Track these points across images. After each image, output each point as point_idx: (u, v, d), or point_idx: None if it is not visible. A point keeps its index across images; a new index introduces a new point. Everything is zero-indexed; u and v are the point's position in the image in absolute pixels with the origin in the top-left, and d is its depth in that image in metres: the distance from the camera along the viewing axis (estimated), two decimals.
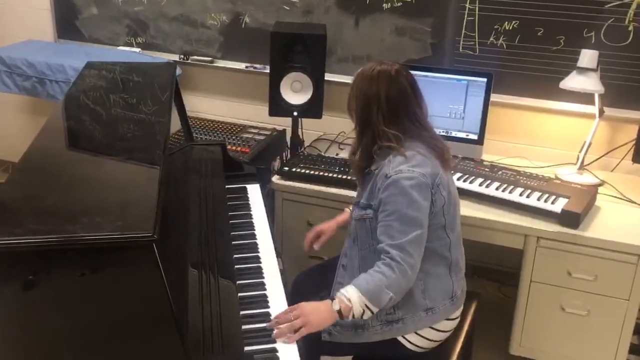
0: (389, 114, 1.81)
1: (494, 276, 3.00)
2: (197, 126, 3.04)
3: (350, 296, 1.67)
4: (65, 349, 1.16)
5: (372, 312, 1.70)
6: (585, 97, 2.57)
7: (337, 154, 2.77)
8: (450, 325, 1.92)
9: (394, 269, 1.68)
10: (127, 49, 3.36)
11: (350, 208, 2.19)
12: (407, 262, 1.69)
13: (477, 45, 2.77)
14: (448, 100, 2.61)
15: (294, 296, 2.06)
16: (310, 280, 2.18)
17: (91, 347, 1.19)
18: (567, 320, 2.27)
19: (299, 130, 2.89)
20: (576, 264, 2.20)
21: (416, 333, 1.85)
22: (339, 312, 1.66)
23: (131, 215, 1.15)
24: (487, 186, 2.37)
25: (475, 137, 2.60)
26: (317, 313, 1.65)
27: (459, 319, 1.95)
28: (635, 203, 2.39)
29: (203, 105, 3.34)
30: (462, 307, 1.95)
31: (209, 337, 1.35)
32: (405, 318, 1.82)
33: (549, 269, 2.24)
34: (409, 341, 1.85)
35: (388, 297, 1.68)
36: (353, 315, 1.68)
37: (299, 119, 2.85)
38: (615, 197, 2.44)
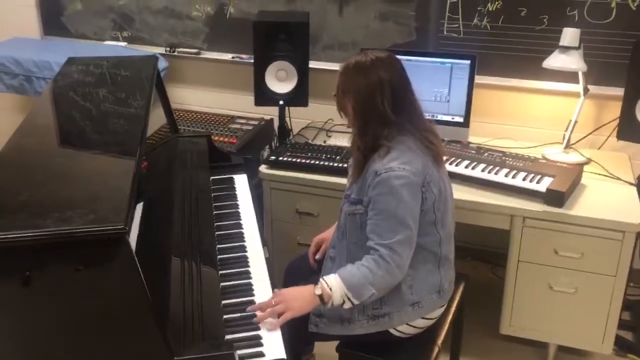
0: (394, 99, 1.73)
1: (486, 257, 3.01)
2: (185, 118, 3.05)
3: (332, 285, 1.68)
4: (42, 343, 1.18)
5: (352, 304, 1.70)
6: (570, 76, 2.57)
7: (324, 142, 2.77)
8: (438, 312, 1.92)
9: (381, 267, 1.68)
10: (113, 43, 3.36)
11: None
12: (394, 261, 1.68)
13: (461, 28, 2.76)
14: (433, 84, 2.61)
15: (286, 283, 2.07)
16: (302, 267, 2.19)
17: (69, 340, 1.21)
18: (556, 299, 2.28)
19: (287, 119, 2.90)
20: (563, 243, 2.21)
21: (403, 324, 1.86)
22: (320, 297, 1.67)
23: (103, 208, 1.16)
24: (473, 168, 2.37)
25: (461, 119, 2.61)
26: (299, 297, 1.67)
27: (446, 304, 1.96)
28: (620, 180, 2.40)
29: (190, 97, 3.35)
30: (449, 297, 1.95)
31: (189, 327, 1.37)
32: (391, 313, 1.82)
33: (535, 248, 2.25)
34: (396, 329, 1.86)
35: (370, 293, 1.69)
36: (332, 304, 1.69)
37: (286, 108, 2.86)
38: (601, 174, 2.44)
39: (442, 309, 1.94)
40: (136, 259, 1.14)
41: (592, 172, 2.44)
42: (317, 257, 2.12)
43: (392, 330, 1.86)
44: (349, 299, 1.69)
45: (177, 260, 1.58)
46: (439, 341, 1.92)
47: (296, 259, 2.26)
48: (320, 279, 1.71)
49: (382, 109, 1.73)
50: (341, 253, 1.89)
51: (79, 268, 1.12)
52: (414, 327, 1.87)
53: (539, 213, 2.20)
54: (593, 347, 2.34)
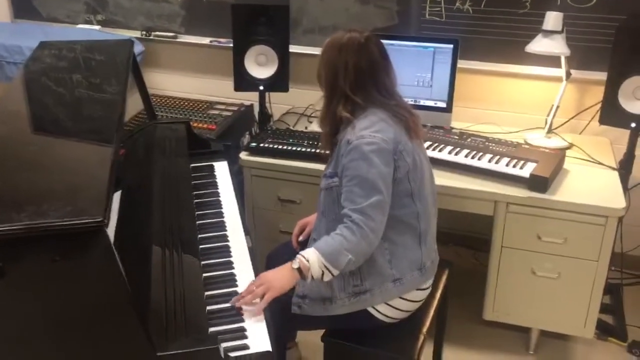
0: (356, 81, 1.80)
1: (468, 243, 3.01)
2: (163, 104, 2.98)
3: (309, 256, 1.68)
4: (18, 338, 1.13)
5: (332, 274, 1.70)
6: (552, 60, 2.56)
7: (306, 127, 2.73)
8: (421, 295, 1.92)
9: (355, 232, 1.68)
10: (87, 26, 3.26)
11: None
12: (368, 226, 1.68)
13: (443, 11, 2.73)
14: (415, 69, 2.57)
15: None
16: (283, 255, 2.15)
17: (47, 334, 1.16)
18: (539, 284, 2.28)
19: (267, 104, 2.84)
20: (546, 228, 2.20)
21: (386, 304, 1.85)
22: (299, 270, 1.67)
23: (81, 199, 1.11)
24: (456, 154, 2.35)
25: (443, 104, 2.58)
26: (279, 277, 1.67)
27: (430, 289, 1.95)
28: (602, 164, 2.40)
29: (168, 83, 3.27)
30: (432, 278, 1.95)
31: (172, 320, 1.32)
32: (372, 289, 1.81)
33: (519, 234, 2.24)
34: (379, 312, 1.85)
35: (347, 259, 1.68)
36: (312, 277, 1.68)
37: (267, 93, 2.80)
38: (583, 159, 2.44)
39: (425, 293, 1.93)
40: (115, 252, 1.09)
41: (574, 157, 2.43)
42: (300, 238, 2.12)
43: (374, 312, 1.84)
44: (327, 268, 1.68)
45: (157, 251, 1.53)
46: (424, 329, 1.91)
47: (277, 247, 2.23)
48: (297, 255, 1.69)
49: (343, 88, 1.80)
50: (321, 233, 1.88)
51: (56, 260, 1.06)
52: (396, 308, 1.86)
53: (522, 199, 2.19)
54: (575, 332, 2.35)
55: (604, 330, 2.51)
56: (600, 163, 2.41)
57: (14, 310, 1.11)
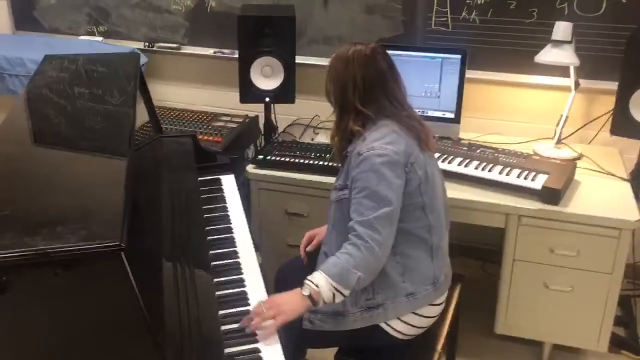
0: (366, 93, 1.78)
1: (475, 254, 2.97)
2: (166, 116, 2.95)
3: (317, 281, 1.64)
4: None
5: (343, 295, 1.66)
6: (560, 70, 2.54)
7: (312, 139, 2.70)
8: (435, 310, 1.88)
9: (360, 247, 1.64)
10: (89, 38, 3.23)
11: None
12: (373, 239, 1.65)
13: (449, 21, 2.71)
14: (423, 79, 2.55)
15: (278, 289, 2.01)
16: (293, 272, 2.12)
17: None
18: (552, 297, 2.25)
19: (272, 115, 2.81)
20: (558, 241, 2.17)
21: (399, 319, 1.81)
22: (310, 297, 1.62)
23: (95, 222, 1.08)
24: (466, 165, 2.33)
25: (452, 115, 2.56)
26: (289, 302, 1.62)
27: (443, 305, 1.92)
28: (614, 175, 2.37)
29: (171, 94, 3.24)
30: (446, 293, 1.92)
31: (187, 342, 1.29)
32: (385, 303, 1.78)
33: (531, 246, 2.21)
34: (392, 328, 1.82)
35: (356, 277, 1.64)
36: (324, 301, 1.64)
37: (272, 105, 2.77)
38: (594, 170, 2.42)
39: (439, 309, 1.90)
40: (131, 276, 1.05)
41: (584, 168, 2.41)
42: (308, 249, 2.09)
43: (387, 329, 1.81)
44: (337, 290, 1.63)
45: (169, 270, 1.49)
46: (439, 346, 1.88)
47: (286, 263, 2.19)
48: (305, 280, 1.65)
49: (353, 102, 1.78)
50: (332, 246, 1.85)
51: (71, 288, 1.03)
52: (410, 325, 1.82)
53: (534, 211, 2.16)
54: (589, 346, 2.32)
55: (616, 343, 2.48)
56: (611, 174, 2.39)
57: (30, 338, 1.07)
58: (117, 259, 1.02)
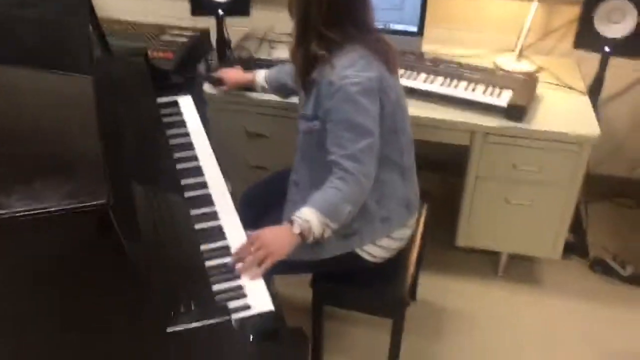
0: (330, 16, 1.65)
1: (432, 166, 2.98)
2: (107, 31, 2.71)
3: (308, 217, 1.60)
4: (30, 332, 1.02)
5: (332, 229, 1.65)
6: None
7: (269, 55, 2.57)
8: (407, 232, 1.90)
9: (348, 181, 1.62)
10: None
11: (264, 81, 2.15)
12: (360, 172, 1.62)
13: None
14: None
15: (242, 216, 1.96)
16: (258, 197, 2.08)
17: (49, 319, 1.06)
18: (512, 211, 2.31)
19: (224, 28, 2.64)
20: (521, 157, 2.20)
21: (374, 244, 1.82)
22: (301, 234, 1.59)
23: (76, 177, 0.98)
24: (431, 82, 2.28)
25: (414, 28, 2.47)
26: (279, 240, 1.58)
27: (414, 226, 1.93)
28: (573, 89, 2.39)
29: (111, 4, 2.97)
30: (417, 214, 1.93)
31: (174, 288, 1.24)
32: (361, 230, 1.78)
33: (494, 163, 2.24)
34: (367, 252, 1.83)
35: (347, 211, 1.63)
36: (314, 237, 1.62)
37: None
38: (554, 83, 2.42)
39: (411, 230, 1.92)
40: (120, 232, 0.98)
41: (545, 82, 2.41)
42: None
43: (361, 253, 1.82)
44: (327, 225, 1.62)
45: (145, 207, 1.40)
46: (411, 266, 1.91)
47: (250, 188, 2.14)
48: (294, 217, 1.61)
49: (316, 24, 1.66)
50: (304, 176, 1.82)
51: (53, 249, 0.95)
52: (384, 248, 1.84)
53: (500, 129, 2.16)
54: (544, 254, 2.43)
55: (566, 249, 2.59)
56: (570, 87, 2.40)
57: (19, 304, 1.00)
58: (105, 217, 0.94)
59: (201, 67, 2.72)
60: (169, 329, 1.13)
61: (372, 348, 2.20)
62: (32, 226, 0.91)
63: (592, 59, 2.40)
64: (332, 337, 2.22)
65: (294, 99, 2.18)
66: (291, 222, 1.60)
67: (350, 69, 1.64)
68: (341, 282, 1.85)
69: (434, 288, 2.44)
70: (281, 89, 2.13)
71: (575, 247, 2.64)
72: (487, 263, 2.58)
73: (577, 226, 2.72)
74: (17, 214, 0.88)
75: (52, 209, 0.90)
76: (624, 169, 2.89)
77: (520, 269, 2.57)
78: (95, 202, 0.92)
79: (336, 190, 1.61)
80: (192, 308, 1.20)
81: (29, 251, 0.95)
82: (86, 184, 0.96)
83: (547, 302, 2.44)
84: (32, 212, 0.89)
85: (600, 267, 2.57)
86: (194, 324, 1.15)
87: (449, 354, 2.22)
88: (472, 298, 2.45)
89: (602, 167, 2.86)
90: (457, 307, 2.41)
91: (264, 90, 2.19)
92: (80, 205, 0.91)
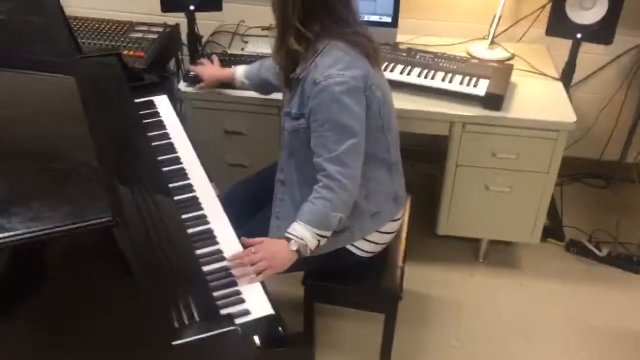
0: (305, 9, 1.62)
1: (408, 155, 3.00)
2: (73, 27, 2.63)
3: (301, 234, 1.61)
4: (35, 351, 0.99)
5: (327, 237, 1.66)
6: None
7: (242, 49, 2.54)
8: (395, 226, 1.91)
9: (334, 189, 1.61)
10: None
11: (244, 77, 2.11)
12: (344, 175, 1.61)
13: None
14: None
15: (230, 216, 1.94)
16: (241, 198, 2.05)
17: (52, 337, 1.03)
18: (491, 197, 2.34)
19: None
20: (500, 145, 2.23)
21: (364, 239, 1.83)
22: (298, 251, 1.61)
23: (75, 193, 0.94)
24: (408, 73, 2.29)
25: (389, 19, 2.47)
26: (281, 255, 1.59)
27: (401, 219, 1.94)
28: (547, 76, 2.43)
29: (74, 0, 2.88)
30: (403, 207, 1.94)
31: (176, 300, 1.22)
32: (352, 226, 1.78)
33: (474, 152, 2.26)
34: (357, 247, 1.83)
35: (337, 219, 1.64)
36: (310, 250, 1.63)
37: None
38: (527, 70, 2.45)
39: (398, 224, 1.93)
40: (124, 250, 0.96)
41: (518, 69, 2.43)
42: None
43: (352, 249, 1.83)
44: (321, 236, 1.63)
45: (137, 217, 1.37)
46: (401, 259, 1.92)
47: (233, 187, 2.11)
48: (288, 234, 1.62)
49: (293, 20, 1.62)
50: (291, 174, 1.81)
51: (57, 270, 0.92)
52: (373, 242, 1.85)
53: (478, 118, 2.18)
54: (523, 239, 2.48)
55: (543, 233, 2.65)
56: (543, 74, 2.44)
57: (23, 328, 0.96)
58: (109, 236, 0.91)
59: (171, 66, 2.67)
60: (175, 343, 1.11)
61: (363, 341, 2.22)
62: (35, 247, 0.88)
63: (561, 44, 2.44)
64: (322, 332, 2.23)
65: (274, 96, 2.16)
66: (287, 239, 1.61)
67: (333, 67, 1.62)
68: (333, 279, 1.85)
69: (418, 277, 2.47)
70: (262, 85, 2.10)
71: (551, 230, 2.70)
72: (467, 250, 2.61)
73: (552, 209, 2.78)
74: (22, 237, 0.84)
75: (57, 230, 0.87)
76: (593, 151, 2.95)
77: (499, 254, 2.62)
78: (99, 221, 0.89)
79: (324, 201, 1.61)
80: (196, 319, 1.18)
81: (32, 272, 0.92)
82: (87, 202, 0.93)
83: (528, 285, 2.50)
84: (36, 233, 0.86)
85: (577, 248, 2.63)
86: (200, 336, 1.13)
87: (437, 341, 2.25)
88: (456, 285, 2.48)
89: (572, 149, 2.92)
90: (441, 294, 2.44)
91: (243, 86, 2.15)
92: (84, 224, 0.88)
